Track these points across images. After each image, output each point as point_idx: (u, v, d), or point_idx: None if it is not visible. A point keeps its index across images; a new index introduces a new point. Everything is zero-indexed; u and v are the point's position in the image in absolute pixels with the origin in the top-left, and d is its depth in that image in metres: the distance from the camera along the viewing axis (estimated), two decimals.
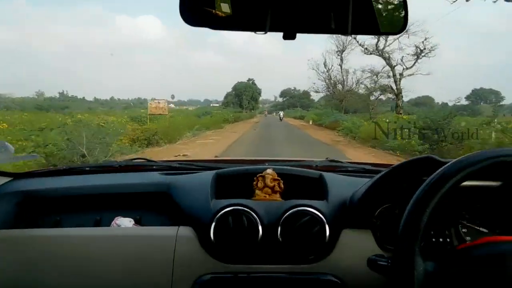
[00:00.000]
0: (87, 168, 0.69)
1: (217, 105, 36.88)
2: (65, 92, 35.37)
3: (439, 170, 0.34)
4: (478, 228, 0.51)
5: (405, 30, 0.45)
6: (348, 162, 0.73)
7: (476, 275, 0.31)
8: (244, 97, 35.30)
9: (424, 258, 0.32)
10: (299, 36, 0.40)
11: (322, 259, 0.48)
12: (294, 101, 45.97)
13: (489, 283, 0.30)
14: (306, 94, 46.10)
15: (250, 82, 37.86)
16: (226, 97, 37.27)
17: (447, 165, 0.34)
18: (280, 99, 52.62)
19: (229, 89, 38.42)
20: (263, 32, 0.39)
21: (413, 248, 0.32)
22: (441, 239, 0.50)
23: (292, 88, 49.56)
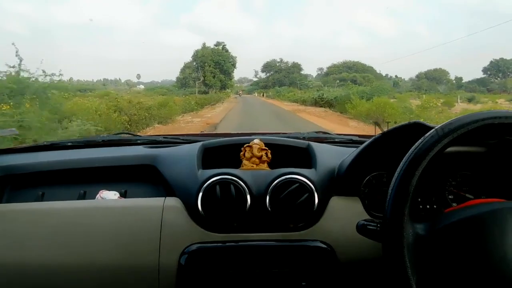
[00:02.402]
0: (69, 143, 0.84)
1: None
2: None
3: (427, 134, 0.43)
4: (464, 194, 0.70)
5: None
6: (336, 134, 0.94)
7: (460, 237, 0.41)
8: (207, 68, 32.03)
9: (412, 220, 0.43)
10: None
11: (311, 226, 0.66)
12: (281, 76, 44.54)
13: (471, 243, 0.40)
14: (297, 67, 46.06)
15: (220, 47, 34.24)
16: (183, 70, 33.68)
17: (434, 129, 0.44)
18: (263, 74, 50.67)
19: (188, 59, 35.00)
20: None
21: (403, 211, 0.41)
22: (428, 206, 0.69)
23: (278, 60, 47.81)
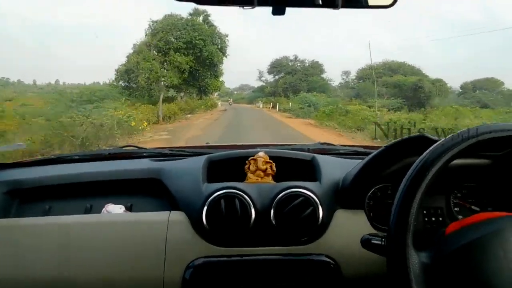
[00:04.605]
0: (76, 157, 1.19)
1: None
2: None
3: (432, 147, 0.61)
4: (470, 206, 0.99)
5: (395, 3, 0.74)
6: (340, 145, 1.26)
7: (464, 262, 0.57)
8: (172, 55, 23.27)
9: (416, 248, 0.59)
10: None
11: (315, 240, 0.92)
12: (295, 79, 40.75)
13: (475, 268, 0.55)
14: (317, 67, 45.61)
15: (198, 18, 25.38)
16: (128, 59, 22.67)
17: (439, 142, 0.61)
18: (270, 77, 49.73)
19: (141, 36, 25.61)
20: (251, 7, 0.67)
21: (408, 224, 0.58)
22: (433, 218, 0.98)
23: (291, 58, 45.19)
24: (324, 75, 43.55)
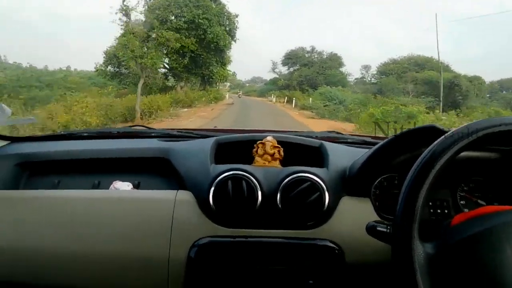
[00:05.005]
0: (85, 134, 1.33)
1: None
2: None
3: (441, 138, 0.66)
4: (476, 200, 1.09)
5: None
6: (349, 134, 1.36)
7: (470, 254, 0.62)
8: (170, 36, 20.16)
9: (422, 238, 0.65)
10: None
11: (320, 225, 1.03)
12: (312, 72, 40.43)
13: (481, 260, 0.61)
14: (335, 60, 45.29)
15: None
16: (119, 40, 18.89)
17: (448, 133, 0.66)
18: (284, 69, 48.70)
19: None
20: None
21: (414, 215, 0.64)
22: (439, 210, 1.08)
23: (308, 49, 44.83)
24: (342, 69, 43.29)
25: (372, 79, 45.99)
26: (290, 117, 19.60)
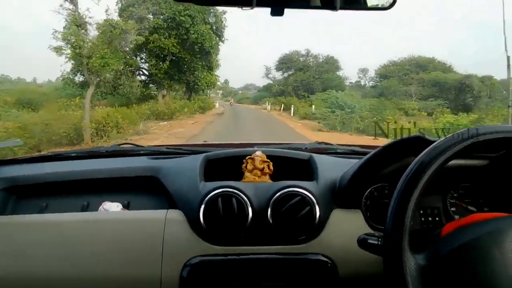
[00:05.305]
0: (73, 154, 1.43)
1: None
2: None
3: (428, 148, 0.73)
4: (466, 206, 1.20)
5: (395, 4, 0.89)
6: (338, 144, 1.47)
7: (461, 263, 0.67)
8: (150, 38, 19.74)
9: (413, 249, 0.70)
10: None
11: (312, 239, 1.11)
12: (308, 76, 40.38)
13: (472, 269, 0.66)
14: (332, 63, 45.26)
15: None
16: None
17: (435, 143, 0.73)
18: (278, 74, 49.63)
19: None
20: (250, 8, 0.82)
21: (404, 225, 0.69)
22: (430, 218, 1.19)
23: (303, 53, 44.81)
24: (339, 73, 43.28)
25: (371, 82, 46.11)
26: (293, 130, 17.55)
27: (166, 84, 23.22)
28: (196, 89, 26.80)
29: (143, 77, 23.26)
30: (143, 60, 22.05)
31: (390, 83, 34.67)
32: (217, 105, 37.44)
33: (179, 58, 22.01)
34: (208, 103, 31.52)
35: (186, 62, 22.57)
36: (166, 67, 21.56)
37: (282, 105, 32.40)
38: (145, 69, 22.72)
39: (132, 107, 17.44)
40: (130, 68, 19.92)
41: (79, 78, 18.23)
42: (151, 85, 24.02)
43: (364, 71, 49.74)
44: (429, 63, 39.19)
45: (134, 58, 20.96)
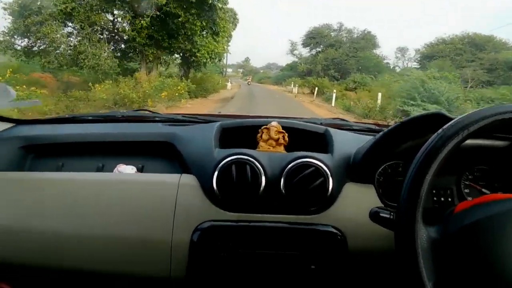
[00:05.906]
0: (90, 117, 1.67)
1: None
2: None
3: (446, 125, 0.79)
4: (480, 189, 1.33)
5: None
6: (354, 121, 1.66)
7: (474, 240, 0.74)
8: None
9: (426, 223, 0.78)
10: None
11: (323, 211, 1.25)
12: (340, 54, 39.07)
13: (485, 247, 0.72)
14: (369, 39, 41.83)
15: None
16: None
17: (454, 120, 0.79)
18: (305, 51, 46.81)
19: None
20: None
21: (417, 202, 0.76)
22: (442, 198, 1.32)
23: (335, 27, 43.51)
24: (376, 51, 42.01)
25: (414, 63, 44.65)
26: None
27: (151, 53, 18.46)
28: (194, 62, 21.80)
29: (123, 45, 19.07)
30: (117, 19, 17.16)
31: (442, 64, 30.76)
32: (228, 85, 34.18)
33: (167, 14, 16.81)
34: (213, 82, 27.10)
35: (179, 21, 17.22)
36: (147, 25, 16.72)
37: (316, 88, 28.51)
38: (119, 30, 17.99)
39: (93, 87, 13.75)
40: (94, 29, 16.35)
41: (21, 43, 15.77)
42: (131, 55, 19.78)
43: (402, 50, 48.38)
44: (487, 41, 37.34)
45: (102, 13, 16.39)
